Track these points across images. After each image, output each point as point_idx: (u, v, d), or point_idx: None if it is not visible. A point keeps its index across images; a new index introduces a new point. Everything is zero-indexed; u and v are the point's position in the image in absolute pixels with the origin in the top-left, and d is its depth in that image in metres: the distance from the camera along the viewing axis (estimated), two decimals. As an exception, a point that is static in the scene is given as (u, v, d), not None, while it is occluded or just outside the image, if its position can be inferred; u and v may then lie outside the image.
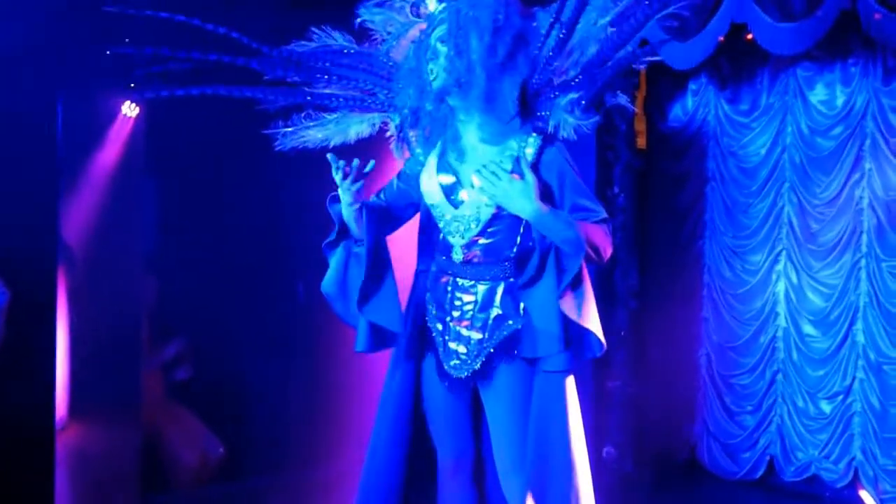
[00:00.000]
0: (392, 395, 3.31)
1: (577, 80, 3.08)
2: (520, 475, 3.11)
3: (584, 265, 3.02)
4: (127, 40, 4.72)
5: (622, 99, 3.15)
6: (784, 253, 6.45)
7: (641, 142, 6.80)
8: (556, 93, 3.07)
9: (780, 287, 6.47)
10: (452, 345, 3.23)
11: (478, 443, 3.36)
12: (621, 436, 6.54)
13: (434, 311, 3.27)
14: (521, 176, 3.00)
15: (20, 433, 4.90)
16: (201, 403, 6.09)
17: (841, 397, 6.18)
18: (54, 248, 5.03)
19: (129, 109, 5.62)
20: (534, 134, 3.09)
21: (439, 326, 3.26)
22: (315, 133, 3.34)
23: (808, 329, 6.35)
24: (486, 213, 3.12)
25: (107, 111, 5.63)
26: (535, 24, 3.10)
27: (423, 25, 3.21)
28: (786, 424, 6.45)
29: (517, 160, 3.06)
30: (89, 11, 4.60)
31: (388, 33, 3.30)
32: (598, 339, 3.07)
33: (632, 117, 6.61)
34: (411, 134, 3.24)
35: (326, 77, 3.34)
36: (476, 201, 3.11)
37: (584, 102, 3.08)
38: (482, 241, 3.16)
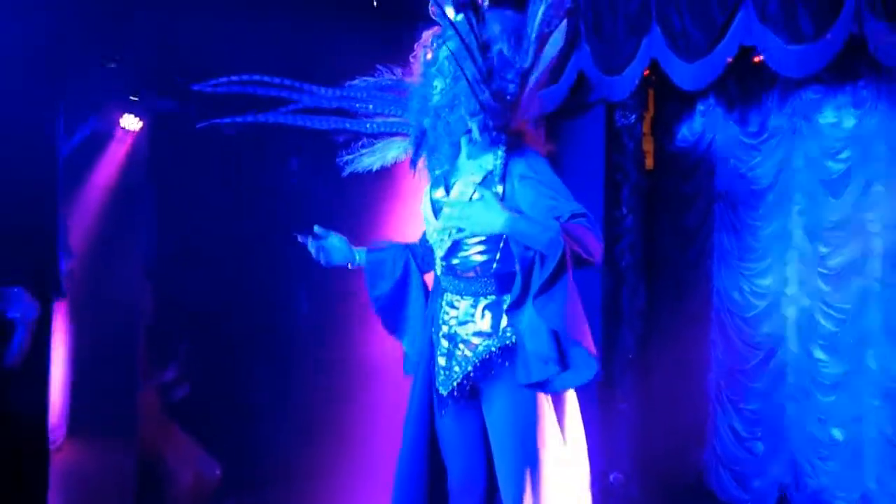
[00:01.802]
0: (411, 412, 3.42)
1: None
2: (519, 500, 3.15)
3: (570, 278, 2.98)
4: (117, 60, 4.78)
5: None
6: (794, 277, 6.51)
7: (649, 162, 6.88)
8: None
9: (790, 311, 6.52)
10: (441, 360, 3.32)
11: (492, 466, 3.37)
12: (628, 461, 6.57)
13: (436, 323, 3.39)
14: (490, 188, 3.14)
15: (13, 453, 4.92)
16: (199, 420, 6.14)
17: (853, 424, 6.19)
18: (53, 263, 5.07)
19: (132, 123, 5.67)
20: (499, 145, 3.22)
21: (435, 339, 3.38)
22: (366, 159, 3.54)
23: (818, 354, 6.37)
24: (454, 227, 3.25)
25: (109, 124, 5.66)
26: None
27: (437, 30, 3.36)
28: (797, 452, 6.46)
29: (489, 174, 3.20)
30: (93, 22, 4.65)
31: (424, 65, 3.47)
32: (590, 356, 3.05)
33: (640, 137, 6.70)
34: (422, 153, 3.41)
35: (369, 108, 3.52)
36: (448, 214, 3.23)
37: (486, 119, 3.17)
38: (461, 253, 3.27)
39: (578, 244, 2.94)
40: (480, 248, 3.23)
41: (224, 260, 6.02)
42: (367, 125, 3.50)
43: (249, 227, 6.08)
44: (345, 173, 3.53)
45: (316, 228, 3.49)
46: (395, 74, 3.49)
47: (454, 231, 3.21)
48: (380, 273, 3.50)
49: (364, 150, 3.53)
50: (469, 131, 3.22)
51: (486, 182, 3.18)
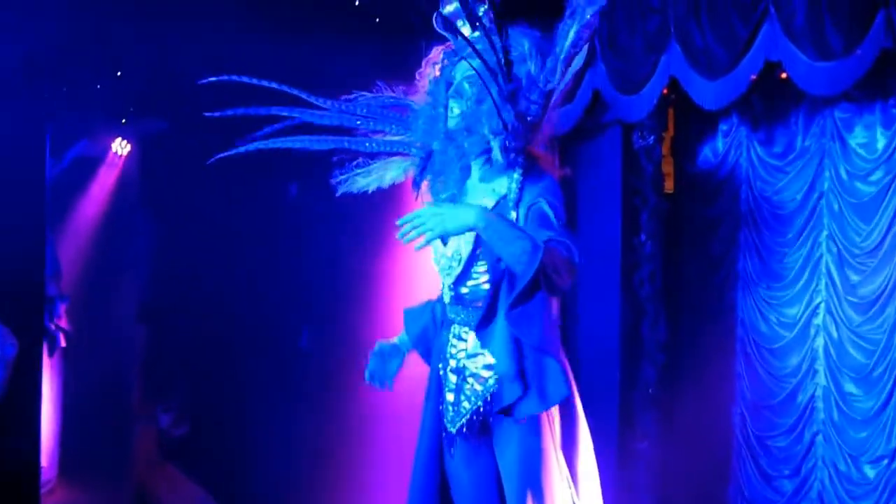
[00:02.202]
0: (420, 452, 3.37)
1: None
2: None
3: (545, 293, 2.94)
4: (119, 73, 4.77)
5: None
6: (823, 305, 6.41)
7: (669, 185, 6.83)
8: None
9: (819, 342, 6.43)
10: (449, 396, 3.27)
11: None
12: (648, 501, 6.50)
13: (443, 358, 3.34)
14: (505, 211, 3.12)
15: (2, 496, 4.82)
16: (197, 460, 6.13)
17: (886, 461, 6.08)
18: (40, 298, 4.99)
19: (120, 147, 5.61)
20: (516, 168, 3.18)
21: (442, 374, 3.32)
22: (362, 180, 3.50)
23: (849, 387, 6.28)
24: (467, 250, 3.19)
25: (98, 148, 5.62)
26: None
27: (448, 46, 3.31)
28: (826, 490, 6.37)
29: (502, 199, 3.17)
30: (80, 44, 4.62)
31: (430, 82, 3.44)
32: (561, 375, 3.03)
33: (659, 159, 6.64)
34: (426, 176, 3.36)
35: (365, 124, 3.49)
36: (460, 239, 3.19)
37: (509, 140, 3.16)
38: (469, 282, 3.23)
39: (551, 265, 2.92)
40: (489, 277, 3.19)
41: (222, 292, 6.01)
42: (367, 144, 3.47)
43: (248, 258, 6.08)
44: (338, 193, 3.51)
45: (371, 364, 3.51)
46: (394, 91, 3.47)
47: (465, 244, 3.17)
48: (426, 341, 3.50)
49: (359, 170, 3.50)
50: (485, 153, 3.19)
51: (499, 207, 3.15)
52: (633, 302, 6.57)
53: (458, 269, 3.23)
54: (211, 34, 5.00)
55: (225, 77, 3.43)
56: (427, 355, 3.51)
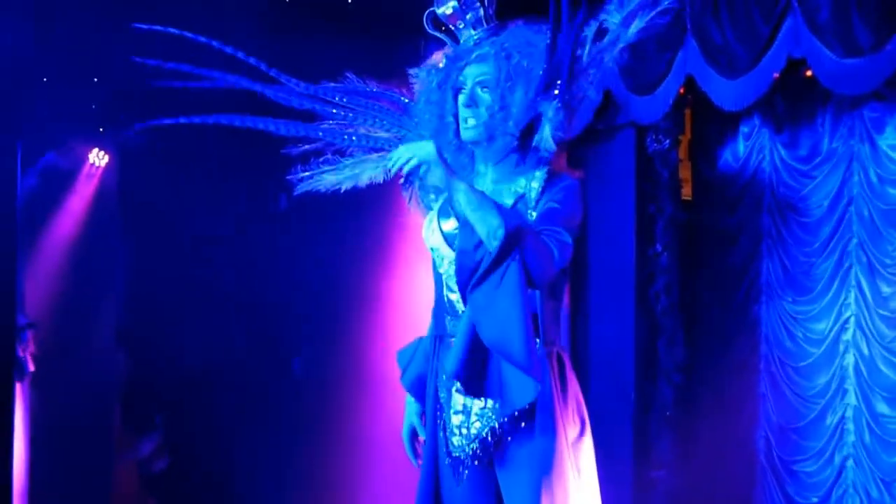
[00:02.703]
0: (421, 488, 3.31)
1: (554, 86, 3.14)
2: None
3: (517, 278, 2.89)
4: (96, 79, 4.69)
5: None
6: (852, 320, 6.32)
7: (687, 192, 6.77)
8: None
9: (849, 359, 6.33)
10: (455, 418, 3.20)
11: None
12: (666, 533, 6.44)
13: (442, 379, 3.26)
14: (525, 211, 3.07)
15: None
16: (179, 495, 6.05)
17: (922, 486, 6.04)
18: (11, 325, 4.87)
19: (98, 158, 5.52)
20: (540, 167, 3.13)
21: (444, 396, 3.25)
22: (330, 177, 3.41)
23: (881, 408, 6.17)
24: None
25: (73, 159, 5.54)
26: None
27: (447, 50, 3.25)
28: (858, 519, 6.30)
29: (521, 198, 3.11)
30: (54, 51, 4.54)
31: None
32: (526, 375, 2.94)
33: (675, 164, 6.59)
34: (425, 181, 3.29)
35: (344, 114, 3.41)
36: None
37: (559, 106, 3.10)
38: None
39: (533, 250, 2.92)
40: None
41: (207, 315, 5.96)
42: (346, 136, 3.40)
43: (236, 277, 6.05)
44: (297, 192, 3.42)
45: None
46: (371, 84, 3.41)
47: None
48: (423, 386, 3.40)
49: (328, 167, 3.41)
50: (506, 154, 3.13)
51: (517, 206, 3.09)
52: (648, 317, 6.52)
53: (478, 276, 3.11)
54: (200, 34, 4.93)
55: (160, 28, 3.44)
56: (423, 397, 3.41)
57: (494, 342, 2.93)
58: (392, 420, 3.64)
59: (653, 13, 3.15)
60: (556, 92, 3.07)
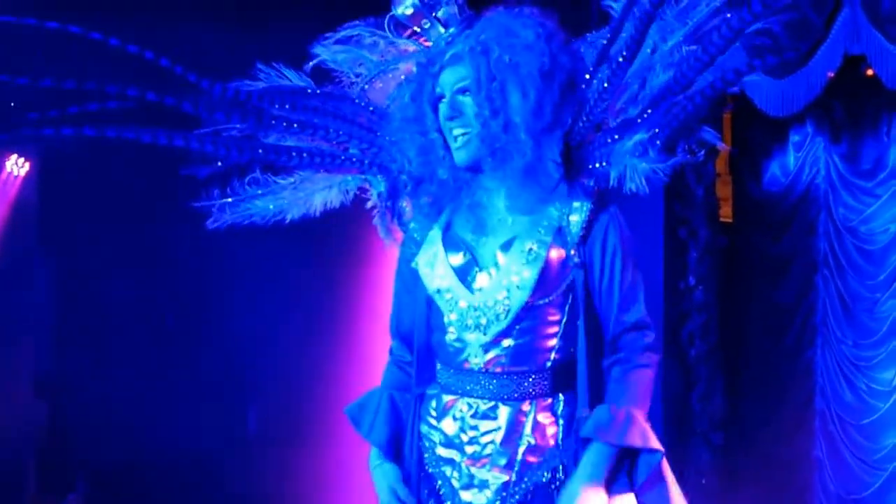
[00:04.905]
0: None
1: (645, 115, 3.06)
2: None
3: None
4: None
5: (708, 135, 3.09)
6: None
7: (726, 212, 6.82)
8: (615, 136, 3.08)
9: None
10: (466, 495, 3.15)
11: None
12: None
13: (438, 450, 3.20)
14: (565, 249, 3.03)
15: None
16: None
17: None
18: None
19: (17, 166, 5.52)
20: (582, 198, 3.07)
21: (447, 471, 3.18)
22: (265, 203, 3.35)
23: None
24: (519, 300, 3.05)
25: None
26: (580, 57, 3.13)
27: (411, 49, 3.25)
28: None
29: (559, 232, 3.05)
30: None
31: (358, 75, 3.34)
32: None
33: (713, 180, 6.64)
34: (405, 204, 3.26)
35: (284, 125, 3.31)
36: (502, 283, 3.05)
37: (658, 142, 3.02)
38: (508, 342, 3.08)
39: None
40: (535, 334, 3.06)
41: (140, 357, 5.95)
42: (295, 155, 3.27)
43: (176, 310, 6.05)
44: (212, 225, 3.33)
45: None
46: (288, 78, 3.32)
47: (516, 290, 3.02)
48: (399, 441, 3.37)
49: (261, 191, 3.34)
50: (528, 181, 3.04)
51: (556, 241, 3.03)
52: (680, 364, 6.54)
53: (502, 325, 3.07)
54: (149, 29, 4.90)
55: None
56: (398, 456, 3.34)
57: None
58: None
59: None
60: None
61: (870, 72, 5.62)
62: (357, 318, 6.00)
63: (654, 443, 2.98)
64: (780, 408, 6.68)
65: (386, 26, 3.19)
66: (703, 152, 5.98)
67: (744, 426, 6.64)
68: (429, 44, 3.26)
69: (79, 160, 5.55)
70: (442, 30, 3.16)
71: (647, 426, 3.01)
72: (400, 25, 3.18)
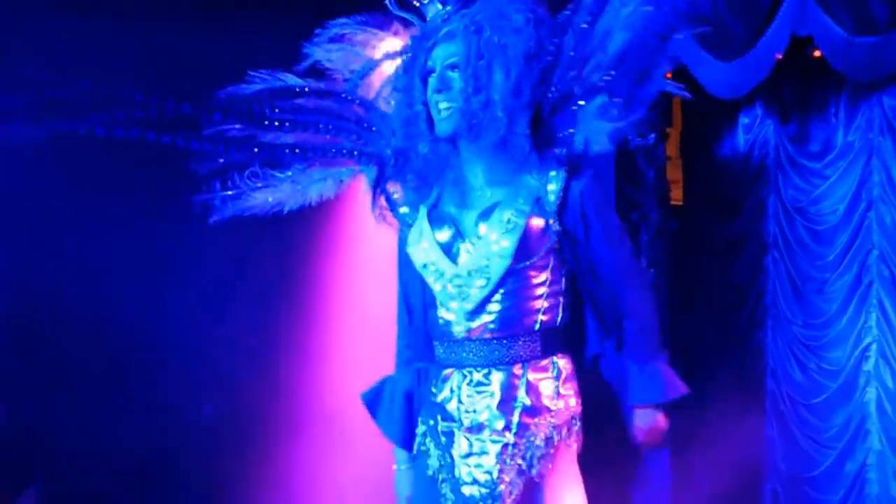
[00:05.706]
0: None
1: (607, 76, 3.19)
2: None
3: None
4: None
5: (672, 88, 3.34)
6: (874, 347, 6.42)
7: (677, 195, 6.88)
8: (581, 102, 3.21)
9: (871, 394, 6.43)
10: (464, 468, 3.22)
11: None
12: None
13: (437, 424, 3.27)
14: (545, 219, 3.16)
15: None
16: None
17: (959, 544, 6.18)
18: None
19: None
20: (556, 167, 3.21)
21: (443, 440, 3.26)
22: (265, 196, 3.45)
23: None
24: (500, 267, 3.17)
25: None
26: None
27: (403, 39, 3.33)
28: (884, 585, 6.43)
29: (537, 202, 3.17)
30: None
31: (351, 72, 3.46)
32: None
33: (663, 163, 6.65)
34: (392, 188, 3.36)
35: (277, 124, 3.43)
36: (483, 252, 3.17)
37: (620, 100, 3.18)
38: (493, 306, 3.19)
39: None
40: (519, 297, 3.17)
41: (98, 352, 5.92)
42: (286, 150, 3.41)
43: (137, 305, 5.97)
44: (213, 220, 3.44)
45: None
46: (282, 80, 3.43)
47: (497, 258, 3.14)
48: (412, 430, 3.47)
49: (259, 184, 3.43)
50: (501, 153, 3.19)
51: (535, 210, 3.16)
52: None
53: (485, 292, 3.18)
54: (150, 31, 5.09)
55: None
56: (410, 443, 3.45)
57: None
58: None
59: None
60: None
61: (817, 53, 5.68)
62: (315, 312, 6.02)
63: (682, 387, 3.41)
64: (731, 389, 6.70)
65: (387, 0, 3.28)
66: (653, 136, 6.08)
67: (694, 406, 6.71)
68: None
69: (36, 157, 5.57)
70: (440, 7, 3.23)
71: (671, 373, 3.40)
72: (388, 21, 3.28)
